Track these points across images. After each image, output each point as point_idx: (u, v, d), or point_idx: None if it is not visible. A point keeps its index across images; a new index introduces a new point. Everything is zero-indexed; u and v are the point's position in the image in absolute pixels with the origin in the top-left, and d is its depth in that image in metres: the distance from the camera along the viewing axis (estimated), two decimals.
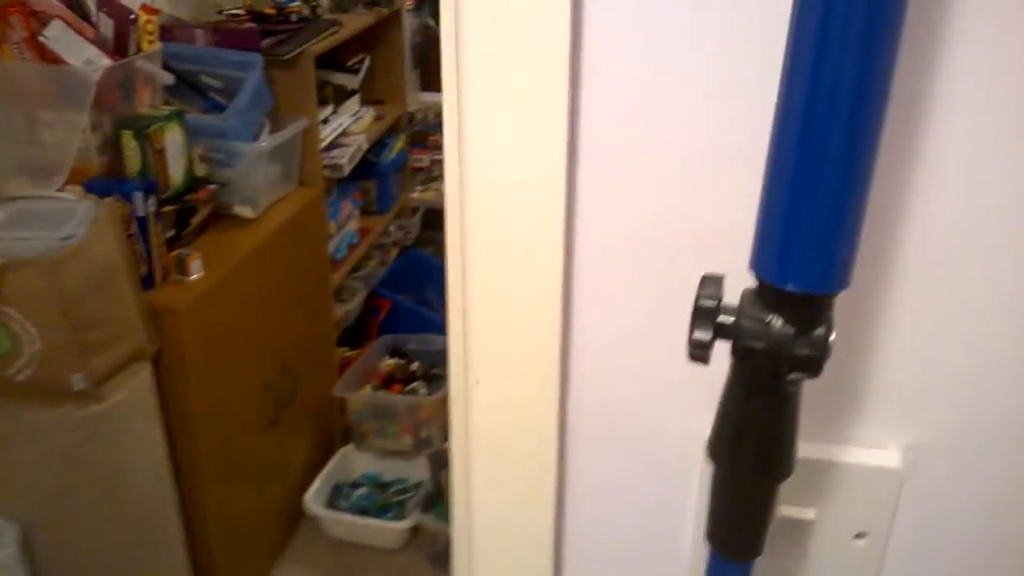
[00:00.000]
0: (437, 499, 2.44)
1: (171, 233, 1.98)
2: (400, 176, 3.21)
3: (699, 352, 0.45)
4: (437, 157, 3.61)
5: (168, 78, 2.05)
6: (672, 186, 0.59)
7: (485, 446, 0.71)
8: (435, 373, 2.80)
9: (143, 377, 1.81)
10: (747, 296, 0.45)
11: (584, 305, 0.65)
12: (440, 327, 3.17)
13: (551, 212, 0.61)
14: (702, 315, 0.44)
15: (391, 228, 3.19)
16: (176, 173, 2.01)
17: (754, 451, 0.49)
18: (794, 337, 0.44)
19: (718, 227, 0.58)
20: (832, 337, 0.44)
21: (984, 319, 0.57)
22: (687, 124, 0.57)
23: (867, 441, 0.62)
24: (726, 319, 0.45)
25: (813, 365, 0.44)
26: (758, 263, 0.44)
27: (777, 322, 0.44)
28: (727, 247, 0.55)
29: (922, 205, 0.55)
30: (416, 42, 4.20)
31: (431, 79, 4.45)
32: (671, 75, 0.56)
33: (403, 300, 3.13)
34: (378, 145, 3.00)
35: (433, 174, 3.55)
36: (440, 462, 2.48)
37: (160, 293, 1.88)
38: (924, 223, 0.55)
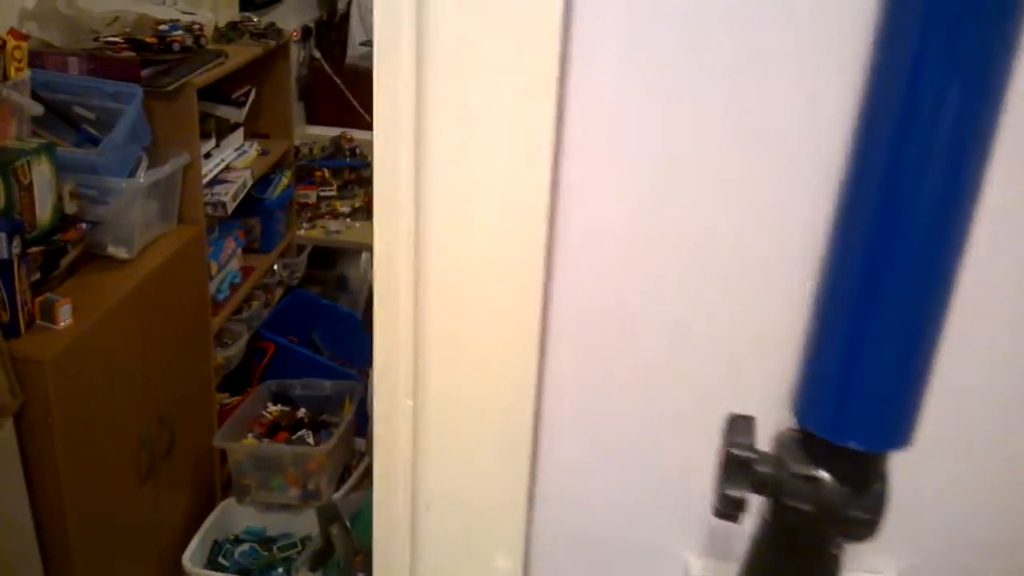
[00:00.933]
0: (327, 556, 2.31)
1: (37, 276, 1.82)
2: (286, 213, 3.09)
3: (730, 510, 0.37)
4: (324, 193, 3.51)
5: (37, 108, 1.90)
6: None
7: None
8: (323, 420, 2.68)
9: (4, 436, 1.64)
10: (787, 445, 0.38)
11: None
12: (327, 371, 3.05)
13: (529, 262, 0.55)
14: (736, 467, 0.37)
15: (276, 267, 3.06)
16: (44, 211, 1.85)
17: None
18: (849, 498, 0.37)
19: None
20: (888, 495, 0.38)
21: (976, 436, 0.53)
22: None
23: (864, 567, 0.58)
24: (764, 472, 0.38)
25: (867, 529, 0.37)
26: (806, 413, 0.37)
27: (828, 480, 0.37)
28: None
29: None
30: (301, 74, 4.10)
31: (317, 112, 4.35)
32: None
33: (288, 342, 3.00)
34: (263, 181, 2.88)
35: (320, 211, 3.44)
36: (329, 515, 2.36)
37: (24, 342, 1.72)
38: None
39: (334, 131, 4.02)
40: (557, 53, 0.52)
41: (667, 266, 0.57)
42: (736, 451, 0.37)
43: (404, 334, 0.57)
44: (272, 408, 2.72)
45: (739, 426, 0.39)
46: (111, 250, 2.04)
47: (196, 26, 2.37)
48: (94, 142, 2.06)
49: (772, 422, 0.46)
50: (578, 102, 0.55)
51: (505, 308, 0.57)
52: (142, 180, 2.04)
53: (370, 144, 3.16)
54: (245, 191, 2.61)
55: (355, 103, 4.20)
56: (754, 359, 0.57)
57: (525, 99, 0.53)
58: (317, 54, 4.20)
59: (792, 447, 0.38)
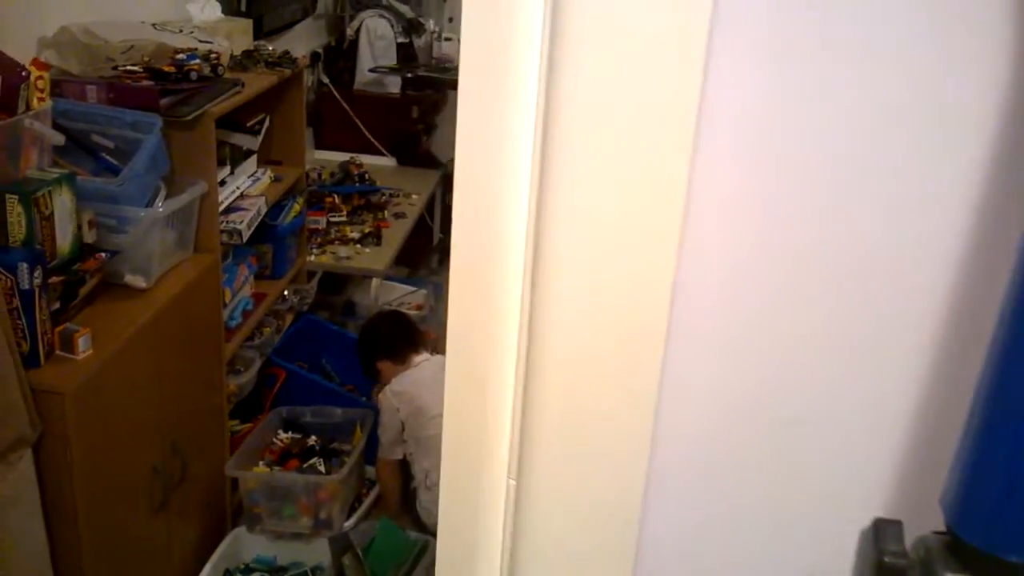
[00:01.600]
0: None
1: (56, 306, 1.82)
2: (297, 239, 3.09)
3: None
4: (334, 219, 3.51)
5: (59, 138, 1.91)
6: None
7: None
8: (334, 448, 2.67)
9: (24, 467, 1.64)
10: (939, 554, 0.38)
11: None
12: (337, 398, 3.04)
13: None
14: None
15: (286, 293, 3.06)
16: (64, 241, 1.85)
17: None
18: None
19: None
20: None
21: None
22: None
23: None
24: None
25: None
26: (966, 525, 0.37)
27: None
28: None
29: None
30: (309, 99, 4.11)
31: (325, 137, 4.37)
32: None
33: (299, 369, 3.00)
34: (275, 207, 2.88)
35: (330, 236, 3.44)
36: (341, 546, 2.35)
37: (44, 373, 1.72)
38: None
39: (342, 156, 4.04)
40: (695, 105, 0.50)
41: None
42: (890, 560, 0.37)
43: (506, 406, 0.55)
44: (283, 435, 2.72)
45: (888, 533, 0.39)
46: (128, 279, 2.04)
47: (213, 55, 2.38)
48: (112, 171, 2.06)
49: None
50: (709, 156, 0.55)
51: (622, 391, 0.55)
52: (161, 210, 2.04)
53: (379, 169, 3.22)
54: (259, 219, 2.62)
55: (363, 128, 4.22)
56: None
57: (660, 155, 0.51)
58: (325, 79, 4.22)
59: (943, 555, 0.37)
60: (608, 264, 0.53)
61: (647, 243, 0.53)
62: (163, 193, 2.12)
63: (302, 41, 4.08)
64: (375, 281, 3.27)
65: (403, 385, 2.66)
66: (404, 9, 4.29)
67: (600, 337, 0.55)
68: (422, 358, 2.75)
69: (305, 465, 2.57)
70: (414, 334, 2.85)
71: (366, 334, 2.94)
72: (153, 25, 2.47)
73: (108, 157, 2.07)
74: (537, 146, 0.52)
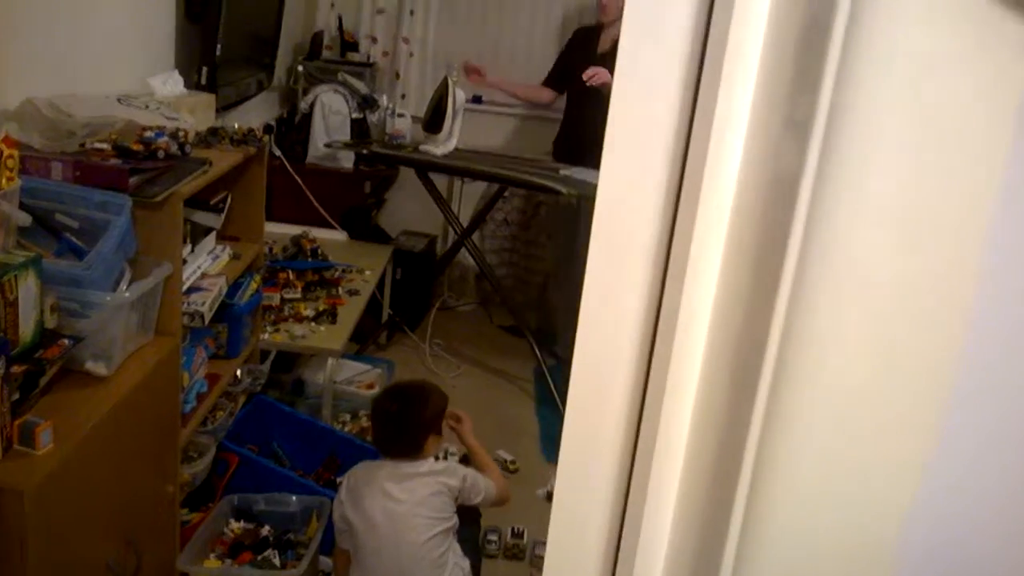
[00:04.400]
0: None
1: (16, 396, 1.71)
2: (253, 318, 3.01)
3: None
4: (288, 296, 3.44)
5: (25, 219, 1.83)
6: None
7: None
8: (289, 539, 2.57)
9: None
10: None
11: None
12: (292, 484, 2.92)
13: None
14: None
15: (239, 373, 2.96)
16: (27, 327, 1.76)
17: None
18: None
19: None
20: None
21: None
22: None
23: None
24: None
25: None
26: None
27: None
28: None
29: None
30: None
31: (273, 209, 4.30)
32: None
33: (250, 452, 2.89)
34: (232, 285, 2.81)
35: (283, 314, 3.36)
36: None
37: (3, 469, 1.61)
38: None
39: (292, 229, 3.98)
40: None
41: None
42: None
43: None
44: (234, 525, 2.61)
45: None
46: (89, 365, 1.95)
47: (181, 133, 2.33)
48: (76, 252, 1.98)
49: None
50: None
51: None
52: (127, 295, 1.96)
53: (330, 243, 3.16)
54: (220, 299, 2.54)
55: (315, 202, 4.17)
56: None
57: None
58: (277, 152, 4.17)
59: None
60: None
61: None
62: (128, 276, 2.04)
63: (255, 113, 4.05)
64: (331, 361, 3.19)
65: (354, 475, 2.44)
66: (359, 85, 4.30)
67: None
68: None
69: (259, 558, 2.46)
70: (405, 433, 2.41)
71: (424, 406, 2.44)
72: (119, 100, 2.41)
73: (72, 238, 1.99)
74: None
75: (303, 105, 4.27)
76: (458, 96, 3.84)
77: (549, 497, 3.28)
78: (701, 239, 0.54)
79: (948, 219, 0.47)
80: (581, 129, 4.05)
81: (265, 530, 2.59)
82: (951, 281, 0.48)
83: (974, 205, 0.46)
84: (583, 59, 3.92)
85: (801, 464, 0.51)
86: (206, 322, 2.40)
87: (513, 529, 3.04)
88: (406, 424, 2.37)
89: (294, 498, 2.69)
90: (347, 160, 4.29)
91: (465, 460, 3.40)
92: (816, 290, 0.48)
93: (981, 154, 0.45)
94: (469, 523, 2.58)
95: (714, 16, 0.53)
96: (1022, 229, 0.49)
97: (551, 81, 4.40)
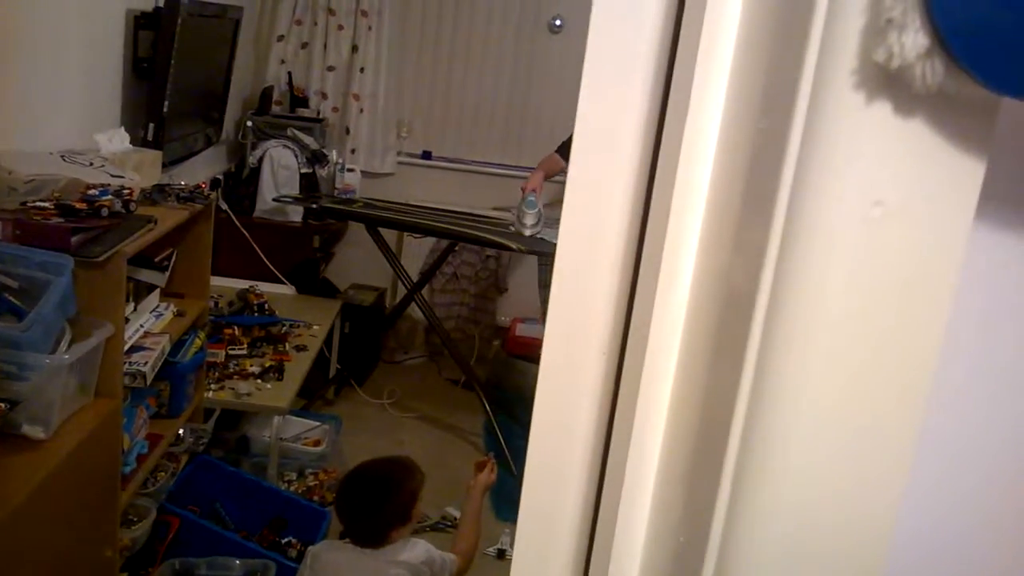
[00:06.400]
0: None
1: None
2: (196, 375, 2.96)
3: None
4: (233, 352, 3.39)
5: None
6: None
7: None
8: None
9: None
10: None
11: None
12: (235, 547, 2.86)
13: None
14: None
15: (181, 432, 2.90)
16: None
17: None
18: None
19: None
20: None
21: None
22: None
23: None
24: None
25: None
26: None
27: None
28: None
29: None
30: None
31: (219, 263, 4.25)
32: None
33: (192, 514, 2.82)
34: (175, 342, 2.76)
35: (228, 370, 3.31)
36: None
37: None
38: None
39: (238, 283, 3.94)
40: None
41: None
42: None
43: None
44: None
45: None
46: (26, 429, 1.90)
47: (126, 191, 2.30)
48: (14, 312, 1.94)
49: None
50: None
51: None
52: (67, 357, 1.92)
53: (277, 297, 3.12)
54: (163, 358, 2.50)
55: (263, 256, 4.14)
56: None
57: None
58: (224, 206, 4.14)
59: None
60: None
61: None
62: (68, 336, 2.00)
63: (203, 168, 4.03)
64: (277, 419, 3.14)
65: (318, 555, 2.30)
66: (309, 140, 4.30)
67: None
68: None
69: None
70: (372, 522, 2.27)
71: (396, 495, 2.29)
72: (62, 156, 2.39)
73: (11, 298, 1.95)
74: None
75: (251, 159, 4.26)
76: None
77: (500, 555, 3.26)
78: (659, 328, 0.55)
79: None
80: None
81: None
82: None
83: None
84: None
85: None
86: (148, 382, 2.36)
87: None
88: (371, 515, 2.24)
89: (237, 562, 2.64)
90: (295, 214, 4.28)
91: None
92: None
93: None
94: None
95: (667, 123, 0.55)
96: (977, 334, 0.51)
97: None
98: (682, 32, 0.52)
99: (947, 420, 0.53)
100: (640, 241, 0.60)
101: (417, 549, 2.27)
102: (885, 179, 0.44)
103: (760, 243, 0.45)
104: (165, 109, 3.06)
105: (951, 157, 0.45)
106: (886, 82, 0.43)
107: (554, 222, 3.71)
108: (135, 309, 2.50)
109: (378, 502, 2.24)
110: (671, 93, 0.54)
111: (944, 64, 0.42)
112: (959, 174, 0.45)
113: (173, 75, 3.04)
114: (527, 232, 3.72)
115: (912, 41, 0.42)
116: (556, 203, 3.85)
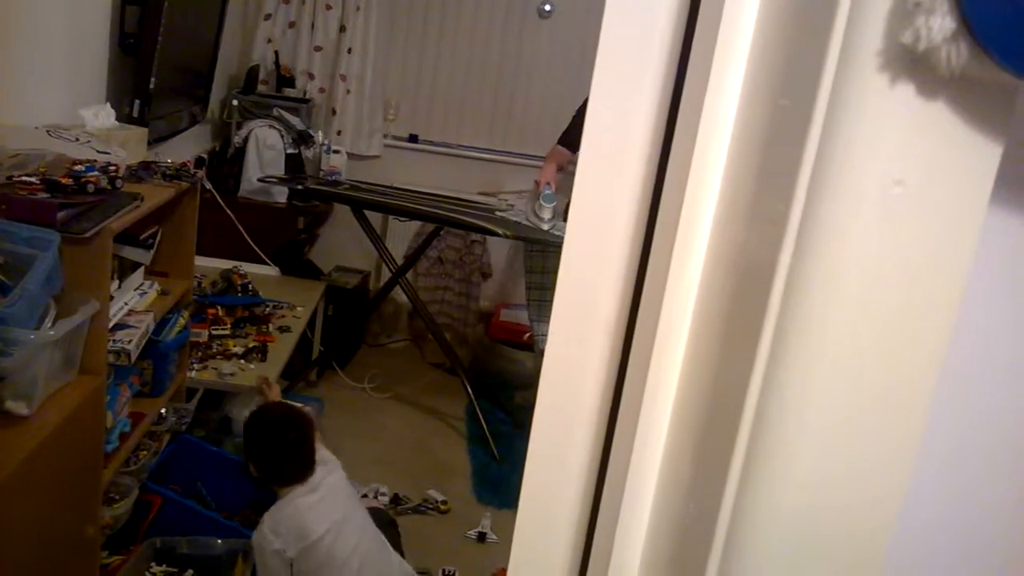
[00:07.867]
0: None
1: None
2: (179, 355, 2.94)
3: None
4: (216, 332, 3.38)
5: None
6: None
7: None
8: None
9: None
10: None
11: None
12: (217, 526, 2.86)
13: None
14: None
15: (164, 411, 2.89)
16: None
17: None
18: None
19: None
20: None
21: None
22: None
23: None
24: None
25: None
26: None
27: None
28: None
29: None
30: None
31: (203, 243, 4.22)
32: None
33: (173, 493, 2.81)
34: (159, 321, 2.75)
35: (211, 350, 3.30)
36: None
37: None
38: None
39: (223, 263, 3.92)
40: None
41: None
42: None
43: None
44: (156, 569, 2.53)
45: None
46: (10, 405, 1.88)
47: (112, 167, 2.28)
48: (1, 288, 1.92)
49: None
50: None
51: None
52: (52, 332, 1.90)
53: (261, 278, 3.11)
54: (147, 336, 2.49)
55: (247, 236, 4.12)
56: None
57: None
58: (208, 185, 4.11)
59: None
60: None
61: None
62: (53, 313, 1.98)
63: (188, 146, 3.99)
64: (259, 398, 3.13)
65: (282, 517, 2.41)
66: (295, 121, 4.28)
67: None
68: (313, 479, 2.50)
69: None
70: (310, 452, 2.54)
71: (258, 458, 2.52)
72: (48, 131, 2.36)
73: None
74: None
75: (237, 139, 4.23)
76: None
77: (481, 538, 3.27)
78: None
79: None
80: None
81: (188, 574, 2.53)
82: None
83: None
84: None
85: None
86: (132, 360, 2.34)
87: (444, 571, 3.01)
88: (306, 448, 2.52)
89: (219, 541, 2.63)
90: (280, 195, 4.26)
91: (396, 500, 3.38)
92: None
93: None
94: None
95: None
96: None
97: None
98: (701, 8, 0.52)
99: (956, 400, 0.54)
100: (651, 222, 0.60)
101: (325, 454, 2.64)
102: (907, 159, 0.44)
103: (781, 217, 0.46)
104: (151, 86, 3.03)
105: (970, 140, 0.45)
106: (910, 64, 0.43)
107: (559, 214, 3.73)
108: (119, 287, 2.48)
109: (306, 433, 2.55)
110: (688, 70, 0.54)
111: (969, 47, 0.43)
112: (977, 157, 0.46)
113: (160, 51, 3.01)
114: (544, 226, 3.69)
115: (940, 24, 0.42)
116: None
